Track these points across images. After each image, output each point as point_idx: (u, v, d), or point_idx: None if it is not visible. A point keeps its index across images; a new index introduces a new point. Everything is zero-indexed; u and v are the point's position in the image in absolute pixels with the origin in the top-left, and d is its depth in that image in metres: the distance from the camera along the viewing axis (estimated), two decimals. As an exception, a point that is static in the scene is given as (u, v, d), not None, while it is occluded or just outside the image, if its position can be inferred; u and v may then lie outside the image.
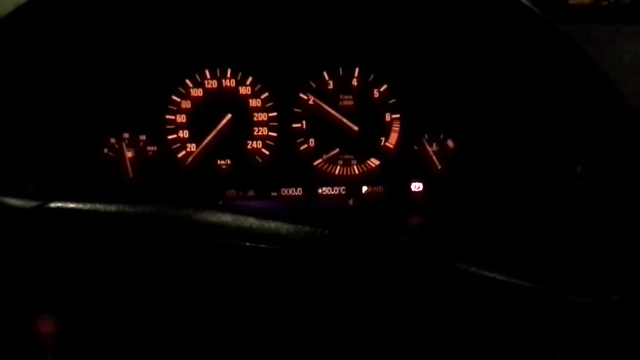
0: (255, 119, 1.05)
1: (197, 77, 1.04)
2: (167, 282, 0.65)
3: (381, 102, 1.04)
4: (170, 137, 1.05)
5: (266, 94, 1.04)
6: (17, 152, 0.95)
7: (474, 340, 0.63)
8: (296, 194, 1.07)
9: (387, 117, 1.05)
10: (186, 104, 1.05)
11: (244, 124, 1.05)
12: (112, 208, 0.62)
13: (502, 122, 0.99)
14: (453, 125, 1.04)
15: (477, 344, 0.63)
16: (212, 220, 0.61)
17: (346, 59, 1.03)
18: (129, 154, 1.05)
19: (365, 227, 0.98)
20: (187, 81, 1.04)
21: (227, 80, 1.04)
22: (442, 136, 1.05)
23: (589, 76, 0.79)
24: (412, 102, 1.04)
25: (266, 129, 1.06)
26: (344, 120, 1.04)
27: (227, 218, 0.62)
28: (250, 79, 1.04)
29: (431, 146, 1.05)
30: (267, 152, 1.06)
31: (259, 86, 1.04)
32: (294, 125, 1.05)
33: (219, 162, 1.07)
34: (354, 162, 1.07)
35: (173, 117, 1.05)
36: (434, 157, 1.05)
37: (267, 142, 1.06)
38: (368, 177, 1.07)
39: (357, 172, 1.07)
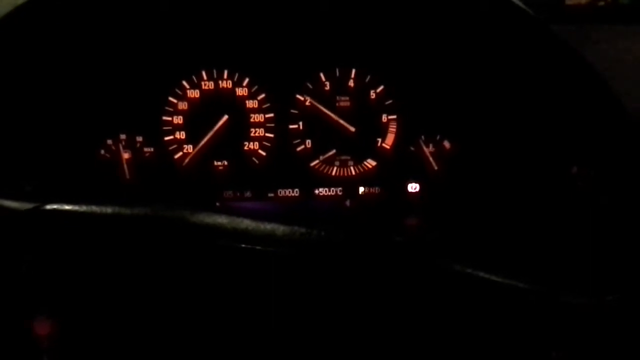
0: (252, 120, 1.05)
1: (194, 78, 1.04)
2: (163, 283, 0.65)
3: (378, 103, 1.04)
4: (167, 138, 1.05)
5: (263, 95, 1.04)
6: (14, 153, 0.95)
7: (471, 340, 0.63)
8: (293, 194, 1.07)
9: (384, 118, 1.05)
10: (183, 105, 1.04)
11: (240, 125, 1.05)
12: (109, 210, 0.62)
13: (498, 123, 1.00)
14: (450, 126, 1.04)
15: (475, 344, 0.63)
16: (208, 222, 0.61)
17: (343, 60, 1.03)
18: (125, 156, 1.05)
19: (362, 228, 0.98)
20: (184, 82, 1.04)
21: (224, 82, 1.04)
22: (438, 137, 1.05)
23: (583, 77, 0.79)
24: (409, 103, 1.04)
25: (263, 130, 1.05)
26: (341, 121, 1.04)
27: (223, 220, 0.62)
28: (246, 80, 1.04)
29: (428, 147, 1.05)
30: (264, 153, 1.06)
31: (255, 87, 1.04)
32: (291, 126, 1.05)
33: (215, 163, 1.07)
34: (351, 163, 1.07)
35: (170, 119, 1.05)
36: (431, 158, 1.05)
37: (264, 143, 1.06)
38: (365, 178, 1.07)
39: (353, 173, 1.07)
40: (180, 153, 1.06)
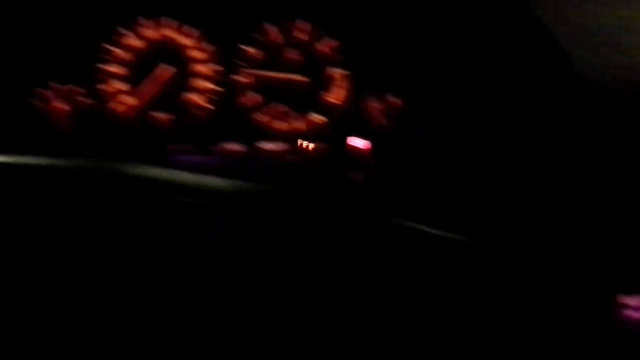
0: (195, 70, 1.02)
1: (134, 26, 0.99)
2: (101, 235, 0.64)
3: (327, 57, 1.03)
4: (104, 88, 1.01)
5: (207, 45, 1.01)
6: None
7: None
8: (238, 148, 1.05)
9: (334, 72, 1.04)
10: (122, 54, 1.00)
11: (184, 76, 1.02)
12: (44, 162, 0.60)
13: (452, 83, 1.00)
14: (401, 83, 1.04)
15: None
16: (150, 175, 0.60)
17: (292, 10, 1.01)
18: (62, 106, 1.00)
19: (307, 183, 0.98)
20: (122, 30, 0.99)
21: (166, 30, 1.00)
22: (389, 94, 1.05)
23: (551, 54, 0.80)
24: (360, 59, 1.03)
25: (207, 81, 1.03)
26: (288, 74, 1.02)
27: (164, 173, 0.61)
28: (190, 29, 1.00)
29: (378, 103, 1.05)
30: (208, 106, 1.04)
31: (199, 37, 1.01)
32: (236, 78, 1.03)
33: (157, 115, 1.03)
34: (298, 117, 1.05)
35: (107, 68, 1.00)
36: (381, 115, 1.05)
37: (208, 95, 1.03)
38: (312, 133, 1.06)
39: (300, 127, 1.06)
40: (120, 104, 1.02)
